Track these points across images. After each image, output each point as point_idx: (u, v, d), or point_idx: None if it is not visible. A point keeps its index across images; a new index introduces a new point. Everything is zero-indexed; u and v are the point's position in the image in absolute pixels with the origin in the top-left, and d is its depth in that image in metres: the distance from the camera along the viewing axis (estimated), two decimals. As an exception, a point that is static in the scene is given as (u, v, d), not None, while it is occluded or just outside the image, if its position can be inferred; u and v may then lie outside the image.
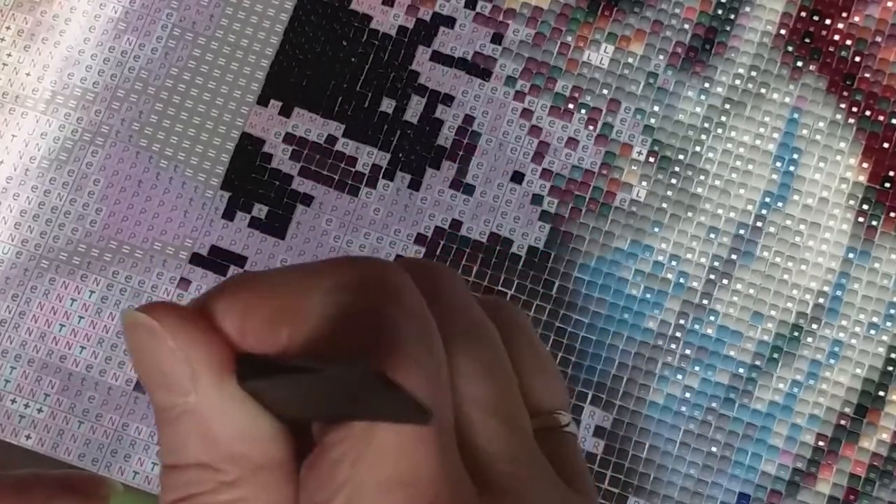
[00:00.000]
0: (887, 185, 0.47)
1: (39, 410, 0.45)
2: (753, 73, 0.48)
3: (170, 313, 0.17)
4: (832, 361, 0.46)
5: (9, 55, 0.48)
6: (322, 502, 0.17)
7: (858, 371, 0.46)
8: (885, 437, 0.46)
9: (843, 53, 0.48)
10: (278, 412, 0.17)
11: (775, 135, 0.48)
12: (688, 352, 0.46)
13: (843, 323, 0.46)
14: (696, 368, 0.46)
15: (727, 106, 0.48)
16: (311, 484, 0.17)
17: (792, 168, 0.48)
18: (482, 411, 0.19)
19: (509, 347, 0.21)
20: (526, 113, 0.48)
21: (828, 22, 0.49)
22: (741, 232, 0.47)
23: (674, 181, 0.47)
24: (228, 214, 0.47)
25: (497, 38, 0.48)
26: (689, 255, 0.47)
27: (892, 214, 0.47)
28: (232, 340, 0.17)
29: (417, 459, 0.17)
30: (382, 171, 0.47)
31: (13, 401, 0.45)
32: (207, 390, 0.17)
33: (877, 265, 0.47)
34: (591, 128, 0.48)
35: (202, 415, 0.17)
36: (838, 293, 0.47)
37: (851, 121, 0.48)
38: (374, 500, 0.16)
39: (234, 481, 0.17)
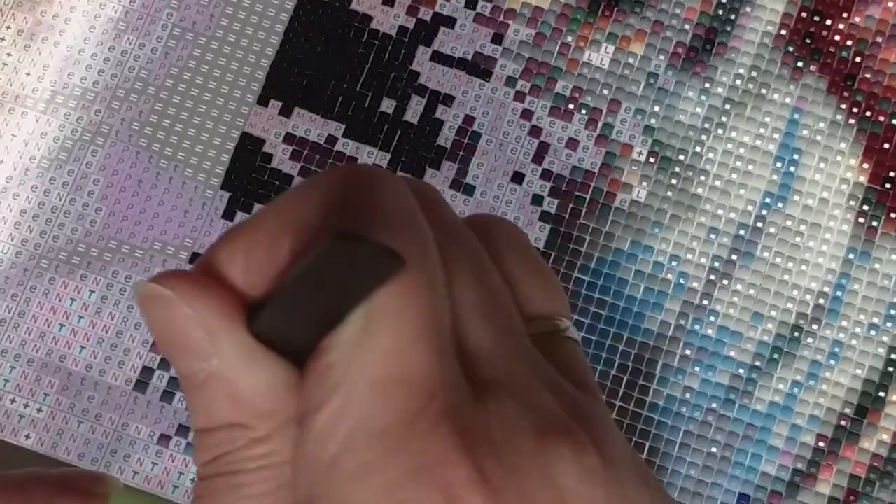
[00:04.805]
0: (888, 185, 0.47)
1: (39, 410, 0.45)
2: (754, 74, 0.48)
3: (181, 279, 0.17)
4: (832, 362, 0.46)
5: (9, 55, 0.48)
6: (317, 404, 0.17)
7: (858, 372, 0.46)
8: (886, 437, 0.46)
9: (844, 54, 0.48)
10: (293, 349, 0.18)
11: (776, 135, 0.48)
12: (688, 352, 0.46)
13: (844, 324, 0.46)
14: (696, 369, 0.46)
15: (727, 106, 0.48)
16: (307, 388, 0.17)
17: (792, 168, 0.48)
18: (474, 314, 0.19)
19: (504, 255, 0.21)
20: (526, 113, 0.48)
21: (828, 22, 0.49)
22: (741, 232, 0.47)
23: (674, 182, 0.47)
24: (228, 214, 0.47)
25: (497, 39, 0.48)
26: (689, 256, 0.47)
27: (893, 215, 0.47)
28: (239, 289, 0.18)
29: (412, 358, 0.17)
30: (382, 171, 0.47)
31: (13, 400, 0.45)
32: (228, 351, 0.17)
33: (877, 266, 0.47)
34: (591, 128, 0.48)
35: (226, 376, 0.17)
36: (838, 294, 0.47)
37: (852, 121, 0.48)
38: (369, 400, 0.17)
39: (265, 436, 0.17)
